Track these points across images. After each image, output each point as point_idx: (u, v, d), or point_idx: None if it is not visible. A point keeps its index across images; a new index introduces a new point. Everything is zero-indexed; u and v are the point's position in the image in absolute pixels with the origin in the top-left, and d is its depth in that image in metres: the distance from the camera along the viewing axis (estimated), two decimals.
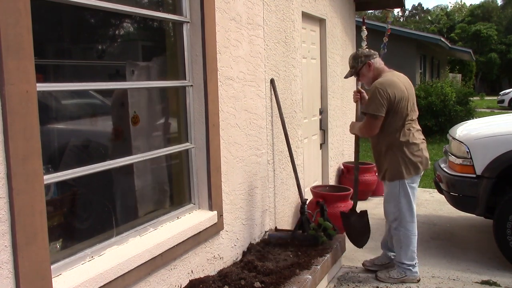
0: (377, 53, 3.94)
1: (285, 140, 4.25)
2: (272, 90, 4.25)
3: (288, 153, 4.30)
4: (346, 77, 4.07)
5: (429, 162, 3.88)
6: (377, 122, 3.63)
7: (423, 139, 3.85)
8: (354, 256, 4.44)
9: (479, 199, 4.21)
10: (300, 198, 4.23)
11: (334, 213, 4.51)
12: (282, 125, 4.26)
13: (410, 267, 3.84)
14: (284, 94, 4.53)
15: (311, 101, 5.60)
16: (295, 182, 4.89)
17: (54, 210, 2.50)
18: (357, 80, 4.12)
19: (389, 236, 4.06)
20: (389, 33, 8.13)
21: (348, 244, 4.28)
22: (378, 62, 3.84)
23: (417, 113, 3.88)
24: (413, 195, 3.77)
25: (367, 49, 4.02)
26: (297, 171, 4.35)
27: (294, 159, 4.33)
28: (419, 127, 3.85)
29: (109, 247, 2.55)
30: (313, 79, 5.66)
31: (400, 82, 3.69)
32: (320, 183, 5.95)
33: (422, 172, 3.82)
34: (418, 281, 3.87)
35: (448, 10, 61.66)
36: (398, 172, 3.70)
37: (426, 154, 3.80)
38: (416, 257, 3.86)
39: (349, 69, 4.00)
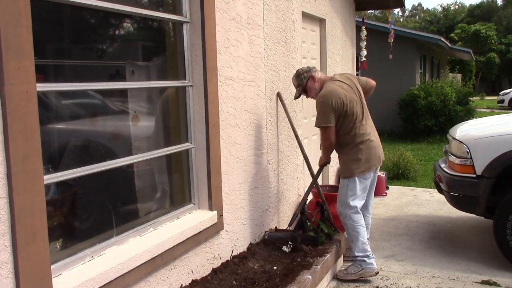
0: (315, 67, 4.11)
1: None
2: (278, 101, 4.41)
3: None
4: (295, 98, 4.20)
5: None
6: (331, 131, 3.77)
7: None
8: None
9: (479, 199, 4.21)
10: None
11: (334, 213, 4.51)
12: (291, 128, 4.42)
13: (365, 258, 3.87)
14: (284, 94, 4.53)
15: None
16: (295, 182, 4.89)
17: (54, 210, 2.49)
18: (306, 97, 4.18)
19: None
20: (392, 33, 8.16)
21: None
22: (319, 73, 4.04)
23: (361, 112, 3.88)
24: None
25: (305, 66, 4.17)
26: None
27: (294, 159, 4.33)
28: (367, 127, 3.88)
29: (109, 247, 2.55)
30: None
31: (339, 89, 3.77)
32: (320, 183, 5.95)
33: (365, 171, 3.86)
34: (376, 273, 3.91)
35: (448, 10, 61.65)
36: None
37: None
38: (368, 249, 3.88)
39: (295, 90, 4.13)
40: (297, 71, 4.10)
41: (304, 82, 3.99)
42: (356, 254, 3.89)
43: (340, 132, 3.81)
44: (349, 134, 3.80)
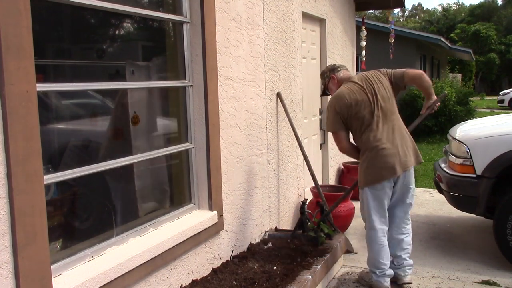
0: (344, 66, 3.96)
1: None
2: (278, 101, 4.39)
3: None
4: (321, 95, 4.14)
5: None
6: (339, 136, 3.63)
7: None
8: (354, 256, 4.44)
9: (479, 199, 4.21)
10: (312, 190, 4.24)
11: (334, 213, 4.51)
12: (291, 128, 4.41)
13: (373, 274, 3.69)
14: (284, 94, 4.53)
15: (311, 101, 5.60)
16: (295, 182, 4.89)
17: (54, 210, 2.50)
18: (331, 95, 3.97)
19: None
20: (392, 33, 8.17)
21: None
22: (342, 73, 3.82)
23: (379, 112, 3.55)
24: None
25: (332, 64, 4.03)
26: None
27: (294, 159, 4.33)
28: (377, 132, 3.50)
29: (109, 247, 2.55)
30: (313, 79, 5.66)
31: (346, 91, 3.56)
32: (320, 183, 5.95)
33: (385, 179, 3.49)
34: None
35: (448, 10, 61.67)
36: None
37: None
38: (381, 266, 3.60)
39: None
40: (325, 68, 4.01)
41: (326, 82, 3.90)
42: (368, 266, 3.76)
43: (353, 137, 3.68)
44: (358, 139, 3.59)
